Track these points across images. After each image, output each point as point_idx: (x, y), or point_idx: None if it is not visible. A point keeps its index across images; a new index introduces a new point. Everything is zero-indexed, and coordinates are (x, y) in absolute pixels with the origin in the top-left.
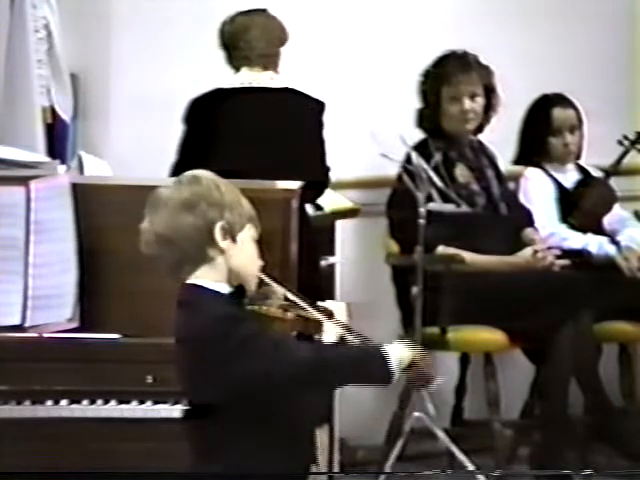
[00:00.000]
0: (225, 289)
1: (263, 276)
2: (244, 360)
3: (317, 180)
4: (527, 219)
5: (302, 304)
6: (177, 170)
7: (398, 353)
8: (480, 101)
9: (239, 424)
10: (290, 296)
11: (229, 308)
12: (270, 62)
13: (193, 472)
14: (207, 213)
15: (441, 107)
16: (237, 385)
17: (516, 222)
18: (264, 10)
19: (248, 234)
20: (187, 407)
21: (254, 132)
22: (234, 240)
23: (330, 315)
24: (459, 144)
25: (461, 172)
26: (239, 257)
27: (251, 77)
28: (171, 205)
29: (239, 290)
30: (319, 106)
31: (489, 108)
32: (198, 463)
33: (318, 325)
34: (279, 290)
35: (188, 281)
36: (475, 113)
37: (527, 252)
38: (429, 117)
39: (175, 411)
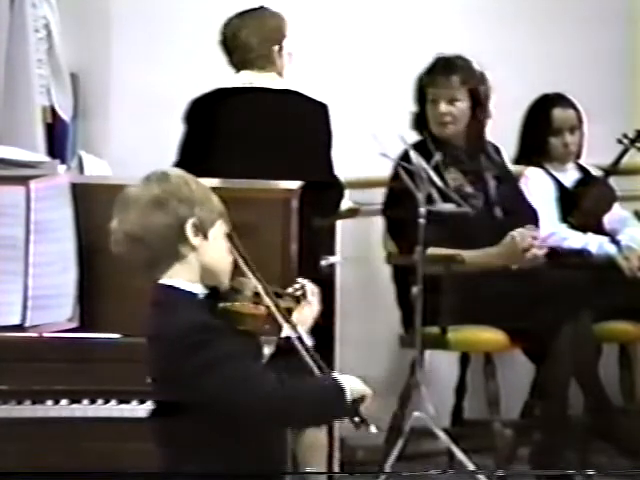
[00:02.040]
0: (199, 290)
1: (243, 265)
2: (206, 381)
3: (318, 181)
4: (524, 223)
5: (266, 295)
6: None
7: (350, 385)
8: (461, 106)
9: (201, 425)
10: (258, 286)
11: (202, 316)
12: (267, 62)
13: (193, 472)
14: (178, 210)
15: (426, 110)
16: (198, 397)
17: (511, 226)
18: (260, 8)
19: (219, 230)
20: (153, 406)
21: (253, 132)
22: (205, 237)
23: (298, 300)
24: (451, 147)
25: (452, 175)
26: (211, 253)
27: (252, 77)
28: (141, 203)
29: (214, 291)
30: (322, 108)
31: (478, 113)
32: (163, 463)
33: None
34: (249, 282)
35: (161, 281)
36: (453, 117)
37: (507, 239)
38: (417, 120)
39: None
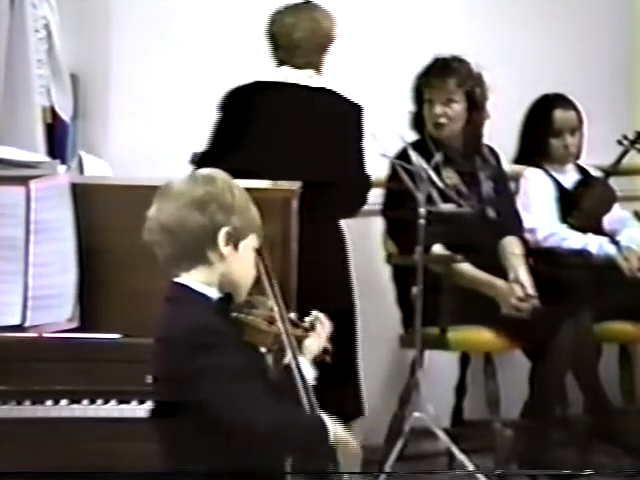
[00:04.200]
0: (214, 294)
1: (267, 284)
2: (199, 385)
3: (340, 182)
4: (514, 226)
5: (281, 320)
6: (206, 158)
7: (335, 430)
8: (457, 107)
9: (199, 426)
10: (275, 309)
11: (209, 318)
12: (311, 65)
13: (194, 471)
14: (216, 215)
15: (423, 111)
16: (189, 399)
17: (502, 226)
18: (313, 6)
19: (251, 243)
20: (152, 406)
21: (283, 128)
22: (236, 247)
23: (312, 328)
24: (447, 147)
25: (448, 174)
26: (237, 265)
27: (288, 73)
28: (182, 199)
29: (228, 297)
30: (355, 109)
31: (475, 115)
32: (165, 462)
33: (299, 340)
34: (266, 301)
35: (179, 279)
36: (448, 118)
37: (506, 285)
38: (415, 120)
39: None
